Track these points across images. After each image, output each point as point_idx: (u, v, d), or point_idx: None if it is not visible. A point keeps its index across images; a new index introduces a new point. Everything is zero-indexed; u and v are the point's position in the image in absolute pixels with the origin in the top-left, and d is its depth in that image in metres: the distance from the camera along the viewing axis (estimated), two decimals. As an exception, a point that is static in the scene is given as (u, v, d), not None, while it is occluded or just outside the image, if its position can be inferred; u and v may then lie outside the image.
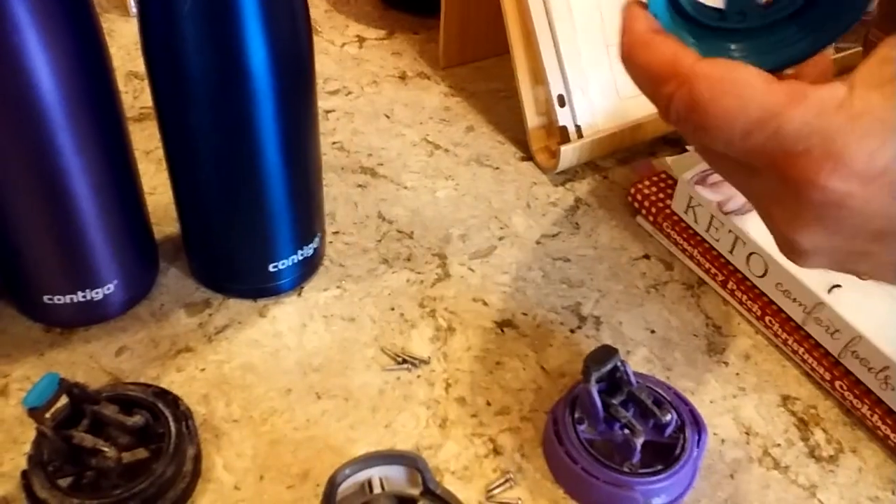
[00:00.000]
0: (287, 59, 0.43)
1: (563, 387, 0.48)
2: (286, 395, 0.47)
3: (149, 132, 0.64)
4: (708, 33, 0.32)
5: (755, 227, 0.52)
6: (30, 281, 0.48)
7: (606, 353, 0.44)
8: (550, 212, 0.61)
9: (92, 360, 0.48)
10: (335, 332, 0.51)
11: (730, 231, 0.53)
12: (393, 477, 0.40)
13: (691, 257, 0.56)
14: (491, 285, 0.55)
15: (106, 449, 0.40)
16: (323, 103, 0.69)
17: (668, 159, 0.60)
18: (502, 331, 0.52)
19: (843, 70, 0.32)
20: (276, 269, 0.51)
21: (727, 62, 0.28)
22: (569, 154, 0.62)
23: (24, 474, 0.40)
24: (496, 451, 0.45)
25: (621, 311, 0.54)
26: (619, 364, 0.44)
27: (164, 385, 0.46)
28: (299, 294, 0.53)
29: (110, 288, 0.49)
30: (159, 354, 0.49)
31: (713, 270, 0.55)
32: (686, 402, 0.46)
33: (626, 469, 0.42)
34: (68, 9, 0.40)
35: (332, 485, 0.38)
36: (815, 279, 0.49)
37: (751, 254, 0.52)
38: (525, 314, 0.53)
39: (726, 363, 0.51)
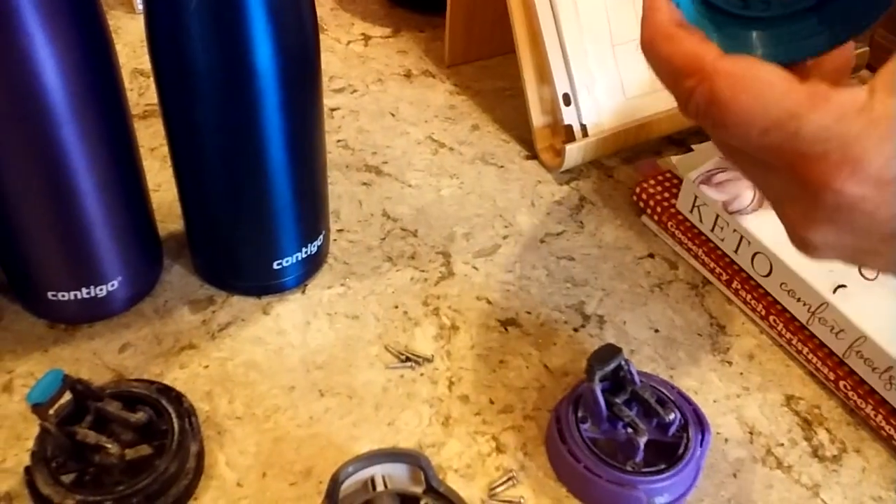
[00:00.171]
0: (293, 56, 0.43)
1: (567, 385, 0.48)
2: (289, 392, 0.47)
3: (154, 129, 0.64)
4: (730, 21, 0.32)
5: (760, 227, 0.52)
6: (34, 277, 0.48)
7: (610, 351, 0.44)
8: (555, 210, 0.61)
9: (96, 357, 0.48)
10: (339, 329, 0.51)
11: (735, 231, 0.53)
12: (396, 475, 0.40)
13: (696, 257, 0.56)
14: (495, 283, 0.55)
15: (109, 445, 0.40)
16: (328, 101, 0.69)
17: (674, 159, 0.59)
18: (506, 329, 0.52)
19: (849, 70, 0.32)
20: (280, 267, 0.51)
21: (749, 60, 0.28)
22: (574, 153, 0.62)
23: (28, 470, 0.40)
24: (499, 450, 0.45)
25: (625, 310, 0.54)
26: (622, 363, 0.44)
27: (167, 382, 0.46)
28: (303, 291, 0.53)
29: (114, 284, 0.49)
30: (163, 351, 0.49)
31: (718, 270, 0.55)
32: (689, 402, 0.46)
33: (629, 468, 0.42)
34: (74, 6, 0.40)
35: (335, 482, 0.38)
36: (820, 279, 0.48)
37: (756, 253, 0.52)
38: (529, 313, 0.53)
39: (730, 362, 0.51)
